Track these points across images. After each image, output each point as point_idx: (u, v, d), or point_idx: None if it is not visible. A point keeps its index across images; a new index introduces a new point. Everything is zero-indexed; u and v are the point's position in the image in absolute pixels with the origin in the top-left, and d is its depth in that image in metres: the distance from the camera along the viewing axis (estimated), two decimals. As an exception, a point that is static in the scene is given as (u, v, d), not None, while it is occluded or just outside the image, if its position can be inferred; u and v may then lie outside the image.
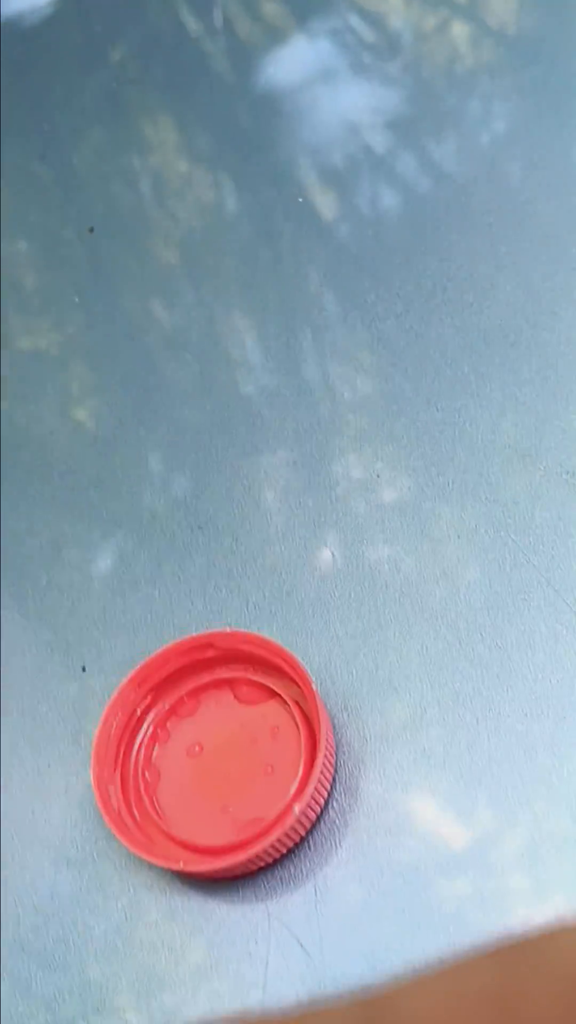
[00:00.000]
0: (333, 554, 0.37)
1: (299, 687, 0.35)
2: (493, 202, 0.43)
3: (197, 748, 0.35)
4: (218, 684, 0.36)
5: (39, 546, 0.41)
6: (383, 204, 0.44)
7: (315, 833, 0.33)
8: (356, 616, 0.36)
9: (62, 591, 0.40)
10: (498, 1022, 0.08)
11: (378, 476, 0.38)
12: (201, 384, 0.42)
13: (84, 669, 0.38)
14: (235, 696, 0.36)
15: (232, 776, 0.34)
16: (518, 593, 0.35)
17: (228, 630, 0.35)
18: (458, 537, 0.37)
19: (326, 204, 0.45)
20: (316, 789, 0.32)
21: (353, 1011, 0.08)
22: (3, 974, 0.33)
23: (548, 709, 0.33)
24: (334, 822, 0.33)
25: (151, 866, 0.34)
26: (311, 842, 0.33)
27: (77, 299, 0.46)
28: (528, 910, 0.31)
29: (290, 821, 0.31)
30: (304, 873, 0.32)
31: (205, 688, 0.36)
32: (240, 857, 0.31)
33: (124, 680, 0.35)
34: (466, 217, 0.43)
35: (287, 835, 0.32)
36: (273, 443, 0.40)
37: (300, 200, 0.45)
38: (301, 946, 0.31)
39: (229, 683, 0.36)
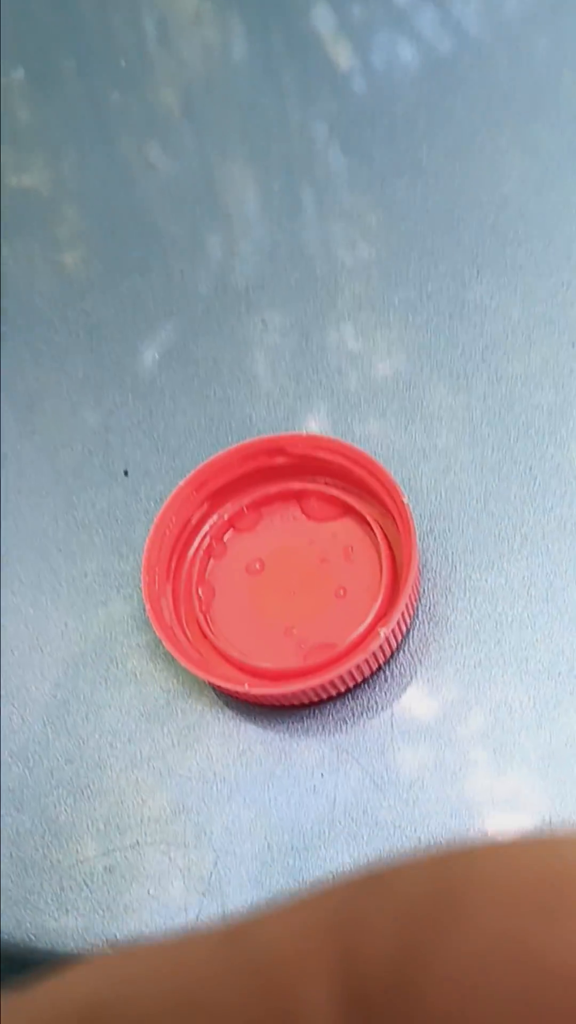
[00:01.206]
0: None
1: (381, 504, 0.30)
2: (515, 73, 0.37)
3: (257, 565, 0.31)
4: (285, 496, 0.32)
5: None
6: (400, 61, 0.38)
7: (393, 663, 0.29)
8: (446, 431, 0.32)
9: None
10: (337, 953, 0.08)
11: (374, 348, 0.33)
12: (194, 237, 0.36)
13: (126, 473, 0.33)
14: (303, 511, 0.32)
15: (297, 598, 0.30)
16: (511, 476, 0.31)
17: (304, 433, 0.31)
18: (452, 416, 0.32)
19: (340, 56, 0.39)
20: (402, 613, 0.28)
21: (213, 939, 0.09)
22: (39, 801, 0.29)
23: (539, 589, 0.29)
24: (415, 652, 0.29)
25: (202, 690, 0.30)
26: (388, 672, 0.29)
27: (71, 137, 0.39)
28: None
29: (374, 645, 0.28)
30: (379, 705, 0.29)
31: (270, 500, 0.32)
32: (314, 681, 0.27)
33: (182, 482, 0.31)
34: (485, 85, 0.37)
35: (367, 661, 0.28)
36: (266, 304, 0.35)
37: (310, 48, 0.39)
38: (373, 782, 0.28)
39: (298, 496, 0.32)
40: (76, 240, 0.38)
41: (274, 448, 0.31)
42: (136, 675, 0.30)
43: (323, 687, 0.28)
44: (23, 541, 0.33)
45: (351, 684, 0.29)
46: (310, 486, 0.31)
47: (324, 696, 0.29)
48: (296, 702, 0.29)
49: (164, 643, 0.28)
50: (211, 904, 0.27)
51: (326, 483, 0.31)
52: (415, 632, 0.29)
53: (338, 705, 0.29)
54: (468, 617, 0.29)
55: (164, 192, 0.38)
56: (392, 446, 0.32)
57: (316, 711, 0.29)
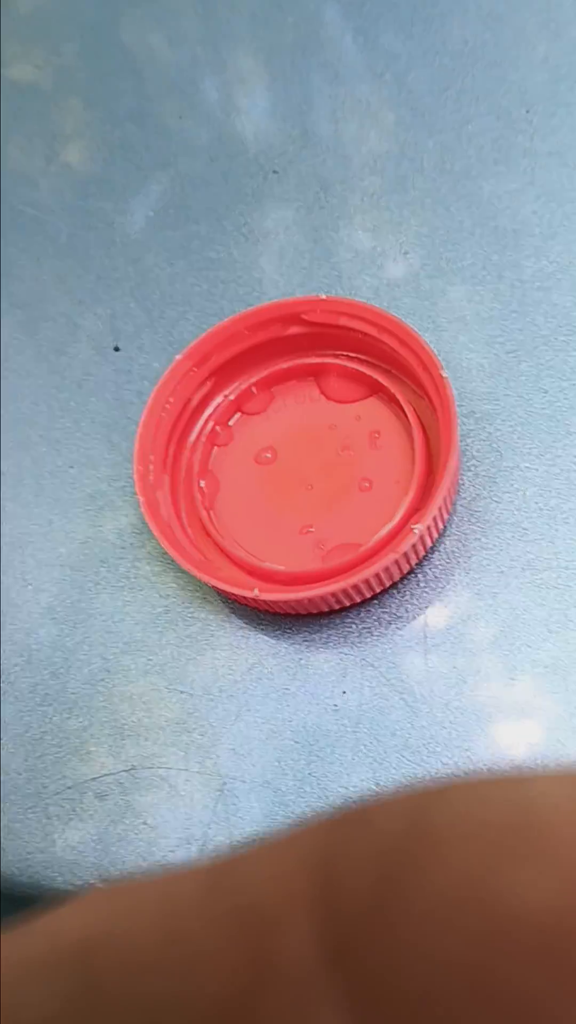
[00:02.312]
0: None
1: (415, 380, 0.26)
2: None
3: (268, 454, 0.27)
4: (300, 372, 0.27)
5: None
6: None
7: (427, 564, 0.25)
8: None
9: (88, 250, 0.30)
10: (316, 892, 0.08)
11: (386, 248, 0.28)
12: (201, 131, 0.31)
13: (117, 349, 0.29)
14: (321, 390, 0.27)
15: (315, 491, 0.26)
16: (569, 345, 0.26)
17: (323, 296, 0.26)
18: (465, 320, 0.27)
19: None
20: (440, 508, 0.24)
21: (199, 878, 0.09)
22: (20, 720, 0.26)
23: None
24: (452, 553, 0.25)
25: (207, 597, 0.26)
26: (421, 576, 0.25)
27: (73, 27, 0.33)
28: None
29: (407, 544, 0.23)
30: (411, 613, 0.25)
31: (282, 377, 0.27)
32: (335, 586, 0.23)
33: (179, 356, 0.26)
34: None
35: (397, 563, 0.24)
36: (276, 201, 0.29)
37: None
38: (404, 701, 0.24)
39: (315, 372, 0.27)
40: (59, 135, 0.32)
41: (288, 315, 0.26)
42: (130, 580, 0.26)
43: (345, 592, 0.24)
44: (1, 429, 0.29)
45: (378, 589, 0.25)
46: (330, 360, 0.27)
47: (346, 603, 0.25)
48: (314, 609, 0.25)
49: (161, 542, 0.24)
50: (217, 835, 0.24)
51: (349, 357, 0.27)
52: (452, 529, 0.25)
53: (362, 613, 0.25)
54: (516, 512, 0.25)
55: (168, 83, 0.32)
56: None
57: (337, 619, 0.25)
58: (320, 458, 0.26)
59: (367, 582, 0.24)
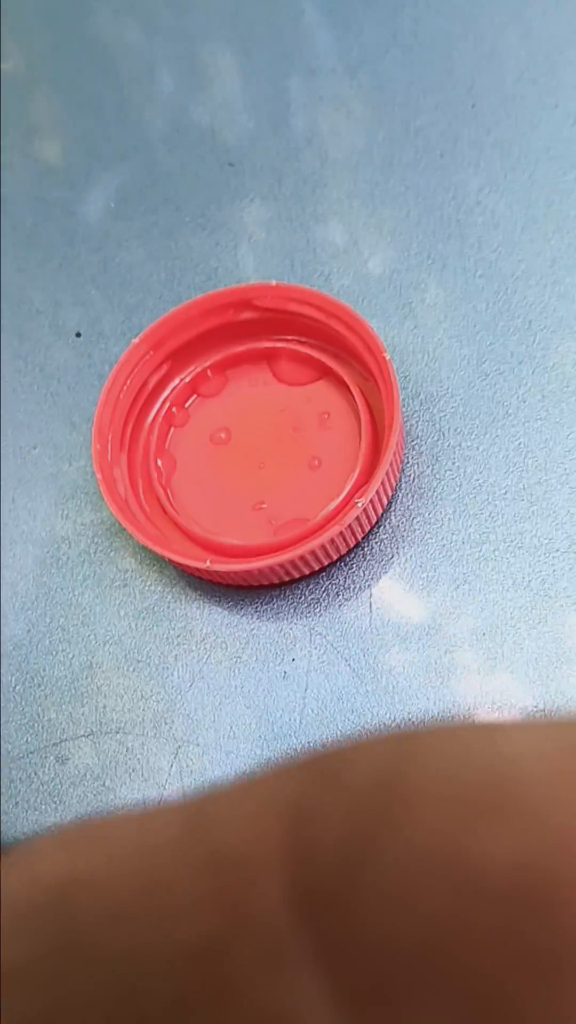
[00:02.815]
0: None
1: (362, 363, 0.27)
2: None
3: (223, 434, 0.28)
4: (253, 356, 0.28)
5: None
6: None
7: (373, 539, 0.26)
8: (434, 283, 0.28)
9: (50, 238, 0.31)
10: (288, 845, 0.08)
11: (363, 244, 0.29)
12: (177, 124, 0.32)
13: (79, 335, 0.30)
14: (274, 373, 0.28)
15: (268, 469, 0.27)
16: (508, 331, 0.27)
17: (273, 283, 0.27)
18: (411, 306, 0.28)
19: None
20: (383, 484, 0.25)
21: (175, 817, 0.09)
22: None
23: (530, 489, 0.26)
24: (396, 527, 0.26)
25: (163, 570, 0.27)
26: (367, 550, 0.26)
27: (44, 18, 0.34)
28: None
29: (350, 517, 0.25)
30: (357, 585, 0.26)
31: (236, 360, 0.28)
32: (283, 557, 0.25)
33: (136, 340, 0.27)
34: None
35: (342, 535, 0.25)
36: (252, 197, 0.30)
37: None
38: (350, 667, 0.25)
39: (267, 356, 0.28)
40: (20, 125, 0.33)
41: (240, 301, 0.27)
42: (90, 554, 0.28)
43: (293, 564, 0.25)
44: (-34, 411, 0.30)
45: (325, 562, 0.26)
46: (281, 345, 0.28)
47: (295, 575, 0.26)
48: (265, 581, 0.26)
49: (117, 517, 0.25)
50: (172, 796, 0.25)
51: (300, 341, 0.28)
52: (397, 505, 0.27)
53: (311, 585, 0.26)
54: (457, 489, 0.26)
55: (143, 74, 0.33)
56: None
57: (287, 591, 0.26)
58: (272, 438, 0.28)
59: (314, 554, 0.25)
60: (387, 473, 0.25)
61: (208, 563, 0.25)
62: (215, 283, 0.30)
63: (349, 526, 0.25)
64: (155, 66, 0.33)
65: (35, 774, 0.26)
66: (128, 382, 0.27)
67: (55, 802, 0.25)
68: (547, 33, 0.31)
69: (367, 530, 0.26)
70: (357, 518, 0.25)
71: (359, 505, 0.25)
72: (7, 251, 0.31)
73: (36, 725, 0.26)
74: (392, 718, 0.25)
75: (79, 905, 0.08)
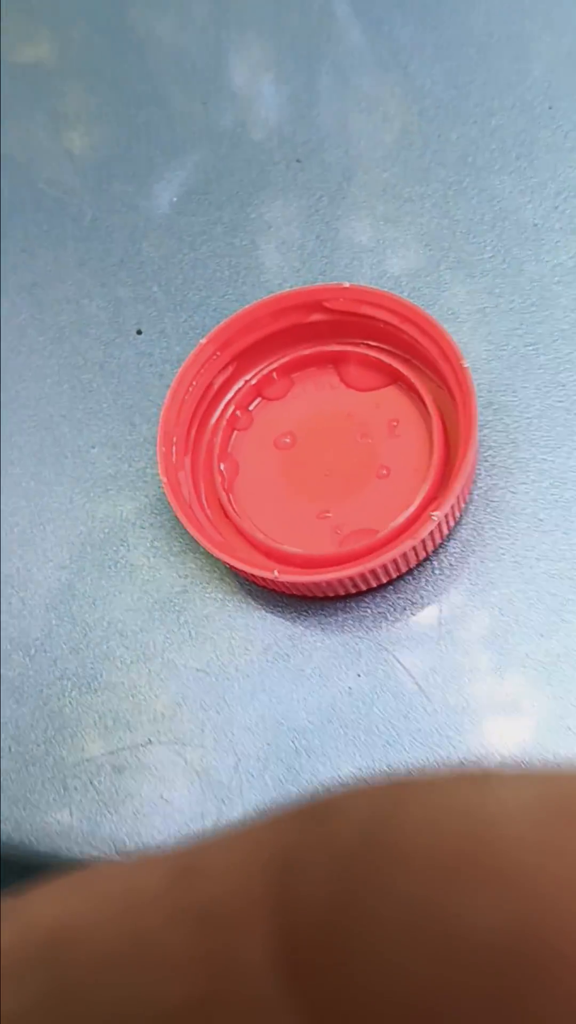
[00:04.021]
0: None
1: (435, 370, 0.26)
2: None
3: (287, 439, 0.27)
4: (320, 360, 0.28)
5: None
6: None
7: (442, 553, 0.26)
8: (509, 289, 0.27)
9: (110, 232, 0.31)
10: (274, 900, 0.08)
11: (389, 242, 0.29)
12: (206, 119, 0.31)
13: (140, 332, 0.29)
14: (341, 378, 0.28)
15: (333, 477, 0.27)
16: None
17: (346, 285, 0.26)
18: (485, 313, 0.27)
19: None
20: (458, 497, 0.24)
21: (162, 868, 0.09)
22: (40, 693, 0.26)
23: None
24: (467, 542, 0.26)
25: (224, 577, 0.26)
26: (437, 564, 0.26)
27: (78, 9, 0.33)
28: None
29: (425, 531, 0.24)
30: (425, 599, 0.25)
31: (303, 363, 0.28)
32: (353, 569, 0.24)
33: (203, 340, 0.26)
34: None
35: (415, 549, 0.24)
36: (279, 193, 0.30)
37: None
38: (417, 685, 0.25)
39: (335, 360, 0.27)
40: (81, 116, 0.33)
41: (310, 302, 0.27)
42: (149, 559, 0.27)
43: (363, 576, 0.24)
44: (23, 408, 0.29)
45: (394, 575, 0.25)
46: (350, 348, 0.27)
47: (363, 587, 0.25)
48: (331, 593, 0.25)
49: (182, 522, 0.25)
50: (231, 810, 0.24)
51: (370, 345, 0.27)
52: (468, 519, 0.26)
53: (378, 598, 0.26)
54: (532, 503, 0.26)
55: (173, 68, 0.32)
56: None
57: (352, 604, 0.26)
58: (338, 444, 0.27)
59: (384, 567, 0.24)
60: (463, 486, 0.24)
61: (275, 573, 0.24)
62: (279, 283, 0.29)
63: (422, 540, 0.24)
64: (206, 61, 0.32)
65: (91, 784, 0.25)
66: (194, 383, 0.26)
67: (110, 812, 0.25)
68: (570, 27, 0.30)
69: (438, 543, 0.25)
70: (432, 532, 0.24)
71: (434, 518, 0.24)
72: (68, 245, 0.31)
73: (92, 732, 0.25)
74: (460, 739, 0.24)
75: (66, 956, 0.09)
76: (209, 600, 0.26)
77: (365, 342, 0.27)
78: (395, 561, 0.24)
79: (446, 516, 0.24)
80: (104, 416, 0.29)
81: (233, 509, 0.26)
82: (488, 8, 0.31)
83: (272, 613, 0.26)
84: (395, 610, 0.25)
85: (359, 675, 0.25)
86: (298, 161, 0.30)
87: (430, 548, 0.25)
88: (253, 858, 0.08)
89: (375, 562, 0.24)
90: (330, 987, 0.08)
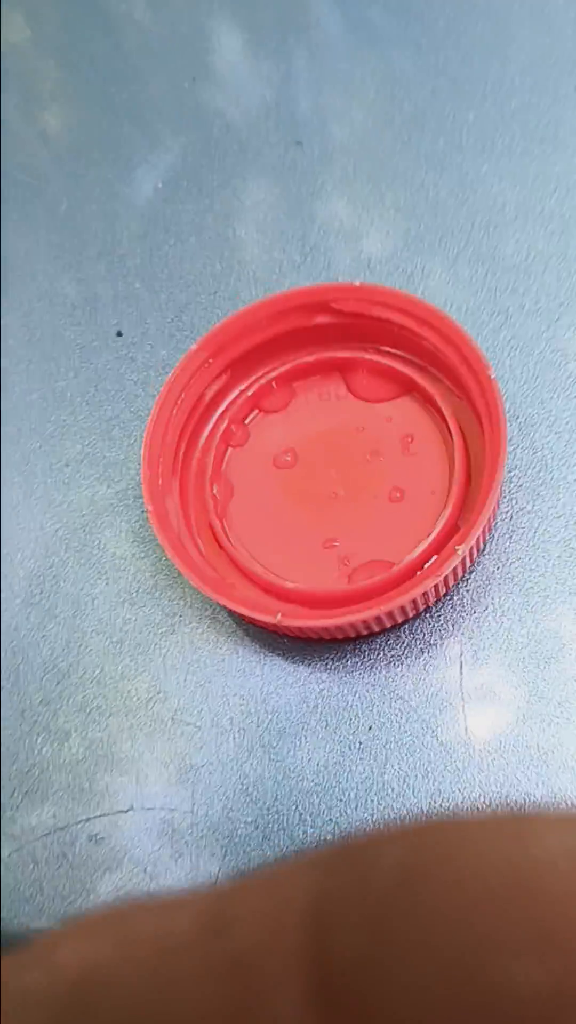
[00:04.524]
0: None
1: (455, 379, 0.23)
2: None
3: (288, 457, 0.24)
4: (326, 367, 0.24)
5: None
6: None
7: (463, 587, 0.23)
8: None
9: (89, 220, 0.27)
10: (309, 950, 0.08)
11: (365, 225, 0.26)
12: (180, 101, 0.28)
13: (120, 334, 0.26)
14: (349, 388, 0.24)
15: (341, 500, 0.23)
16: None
17: (358, 283, 0.23)
18: (508, 314, 0.25)
19: None
20: (485, 526, 0.21)
21: (195, 911, 0.09)
22: (12, 760, 0.23)
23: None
24: (492, 573, 0.23)
25: (216, 615, 0.23)
26: (456, 599, 0.23)
27: None
28: None
29: (449, 567, 0.21)
30: (445, 641, 0.22)
31: (306, 371, 0.24)
32: (366, 613, 0.21)
33: (194, 345, 0.23)
34: None
35: (436, 587, 0.21)
36: (254, 175, 0.26)
37: None
38: (436, 737, 0.22)
39: (342, 367, 0.24)
40: (56, 96, 0.29)
41: (315, 303, 0.23)
42: (132, 594, 0.24)
43: (377, 619, 0.21)
44: (-12, 419, 0.26)
45: (411, 614, 0.22)
46: (360, 355, 0.24)
47: (376, 629, 0.22)
48: (339, 635, 0.22)
49: (172, 560, 0.21)
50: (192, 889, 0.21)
51: (381, 351, 0.24)
52: (492, 547, 0.23)
53: (391, 639, 0.23)
54: (563, 529, 0.23)
55: (149, 52, 0.29)
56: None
57: (363, 645, 0.23)
58: (346, 463, 0.24)
59: (402, 608, 0.21)
60: (490, 514, 0.21)
61: (279, 617, 0.21)
62: (278, 280, 0.26)
63: (444, 576, 0.21)
64: (203, 38, 0.29)
65: (64, 854, 0.22)
66: (183, 394, 0.23)
67: (87, 890, 0.22)
68: (561, 18, 0.27)
69: (459, 577, 0.22)
70: (453, 568, 0.21)
71: (459, 552, 0.21)
72: (41, 236, 0.27)
73: (64, 796, 0.22)
74: (486, 800, 0.21)
75: (97, 1002, 0.08)
76: (200, 642, 0.23)
77: (377, 347, 0.24)
78: (414, 601, 0.21)
79: (470, 549, 0.21)
80: (80, 430, 0.25)
81: (227, 538, 0.23)
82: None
83: (272, 656, 0.23)
84: (411, 653, 0.22)
85: (371, 728, 0.22)
86: (298, 143, 0.27)
87: (451, 582, 0.22)
88: (286, 905, 0.08)
89: (391, 604, 0.21)
90: None
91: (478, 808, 0.21)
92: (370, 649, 0.23)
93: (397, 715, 0.22)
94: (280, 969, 0.08)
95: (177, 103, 0.28)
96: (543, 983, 0.07)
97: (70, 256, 0.27)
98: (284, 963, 0.08)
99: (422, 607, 0.22)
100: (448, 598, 0.23)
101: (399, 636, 0.23)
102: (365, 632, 0.22)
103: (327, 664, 0.23)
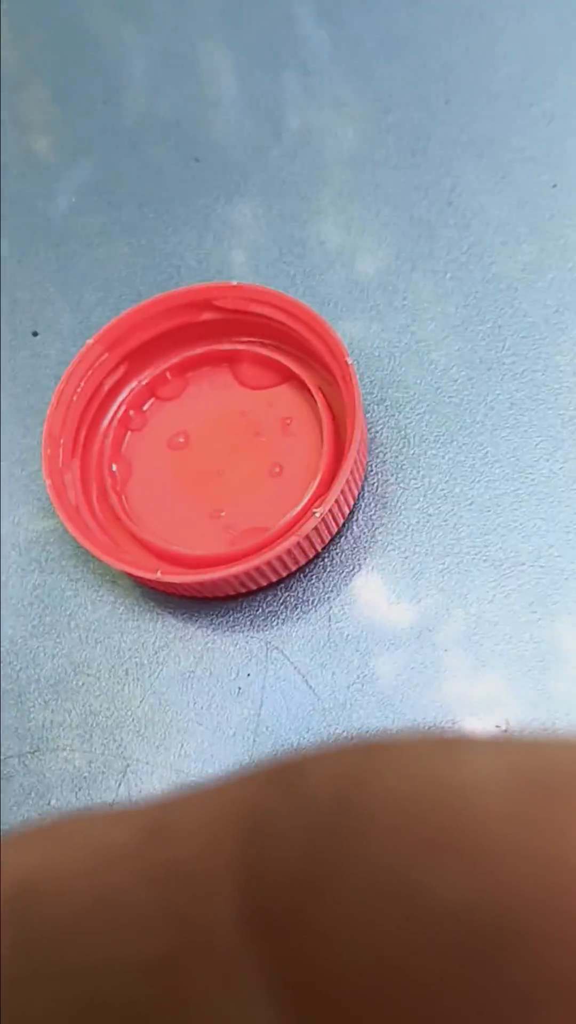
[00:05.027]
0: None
1: (325, 367, 0.26)
2: None
3: (182, 439, 0.27)
4: (214, 359, 0.27)
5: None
6: None
7: (332, 550, 0.25)
8: (402, 285, 0.27)
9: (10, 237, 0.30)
10: (244, 863, 0.08)
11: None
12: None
13: (36, 334, 0.29)
14: (235, 377, 0.27)
15: (227, 476, 0.26)
16: (477, 336, 0.26)
17: (235, 283, 0.26)
18: (378, 308, 0.27)
19: None
20: (343, 492, 0.24)
21: (134, 823, 0.09)
22: None
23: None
24: (359, 538, 0.25)
25: (116, 580, 0.26)
26: (327, 561, 0.25)
27: (38, 12, 0.33)
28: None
29: (307, 527, 0.24)
30: (316, 597, 0.25)
31: (197, 363, 0.27)
32: (237, 569, 0.24)
33: (90, 340, 0.26)
34: None
35: (300, 546, 0.24)
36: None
37: None
38: (307, 683, 0.24)
39: (229, 358, 0.27)
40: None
41: (200, 301, 0.26)
42: (40, 563, 0.26)
43: (248, 575, 0.24)
44: None
45: (283, 573, 0.25)
46: (243, 347, 0.27)
47: (252, 586, 0.25)
48: (220, 593, 0.25)
49: (66, 525, 0.24)
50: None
51: (262, 344, 0.27)
52: (359, 515, 0.26)
53: (269, 597, 0.25)
54: (421, 498, 0.25)
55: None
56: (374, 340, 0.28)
57: (244, 604, 0.25)
58: (232, 443, 0.27)
59: (270, 565, 0.24)
60: (348, 482, 0.24)
61: (159, 574, 0.24)
62: (176, 283, 0.29)
63: (308, 537, 0.24)
64: (143, 60, 0.32)
65: (-23, 792, 0.25)
66: (82, 384, 0.26)
67: (-2, 821, 0.24)
68: (536, 33, 0.30)
69: (327, 540, 0.25)
70: (316, 528, 0.24)
71: (316, 515, 0.24)
72: (-36, 247, 0.30)
73: (-20, 740, 0.25)
74: (348, 737, 0.24)
75: (36, 910, 0.08)
76: (101, 603, 0.26)
77: (258, 340, 0.27)
78: (280, 559, 0.24)
79: (331, 513, 0.24)
80: (-2, 419, 0.28)
81: (124, 511, 0.26)
82: (410, 12, 0.31)
83: (164, 615, 0.26)
84: (286, 609, 0.25)
85: (249, 674, 0.25)
86: (196, 160, 0.30)
87: (319, 545, 0.25)
88: (224, 818, 0.08)
89: (258, 560, 0.23)
90: (294, 947, 0.08)
91: (407, 729, 0.24)
92: (251, 606, 0.25)
93: (273, 664, 0.25)
94: (216, 877, 0.08)
95: (95, 119, 0.31)
96: (470, 893, 0.07)
97: (-8, 264, 0.30)
98: (219, 871, 0.08)
99: (292, 566, 0.25)
100: (320, 559, 0.25)
101: (276, 594, 0.25)
102: (243, 589, 0.25)
103: (212, 620, 0.25)
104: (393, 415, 0.26)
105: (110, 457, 0.26)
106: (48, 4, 0.33)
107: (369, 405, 0.26)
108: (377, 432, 0.26)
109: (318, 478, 0.25)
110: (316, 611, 0.25)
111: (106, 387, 0.27)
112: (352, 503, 0.25)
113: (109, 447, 0.26)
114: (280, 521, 0.24)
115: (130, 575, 0.25)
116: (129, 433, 0.27)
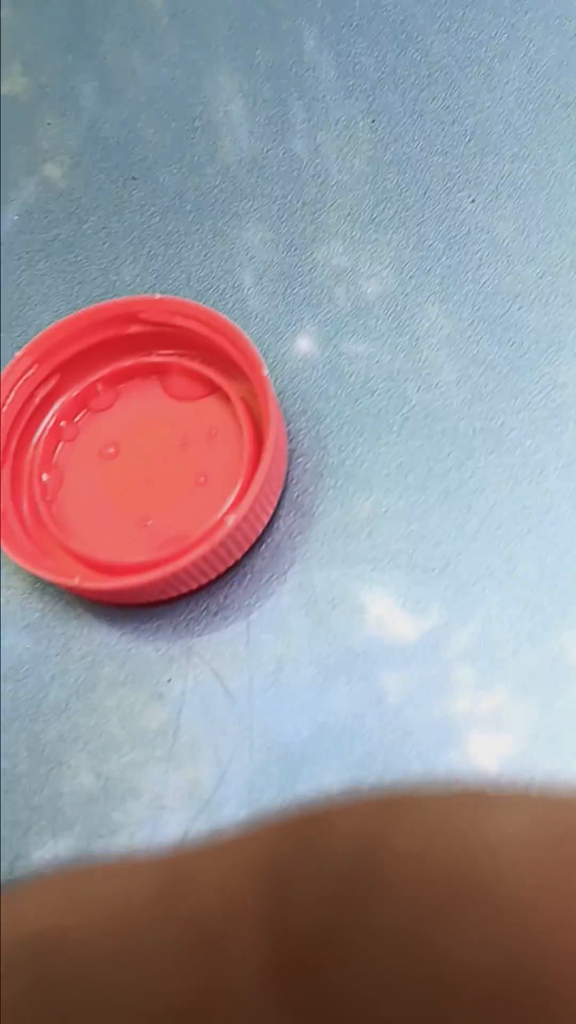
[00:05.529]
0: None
1: (246, 379, 0.27)
2: None
3: (111, 450, 0.28)
4: (143, 371, 0.28)
5: None
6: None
7: (253, 558, 0.26)
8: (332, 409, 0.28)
9: (-48, 251, 0.31)
10: (268, 911, 0.08)
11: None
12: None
13: (-25, 348, 0.30)
14: (164, 388, 0.28)
15: (154, 485, 0.27)
16: (396, 347, 0.27)
17: (158, 296, 0.27)
18: (303, 321, 0.28)
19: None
20: (258, 501, 0.25)
21: (152, 874, 0.09)
22: None
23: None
24: (278, 546, 0.26)
25: (47, 588, 0.27)
26: (248, 568, 0.26)
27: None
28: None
29: (220, 535, 0.24)
30: (236, 605, 0.26)
31: (126, 375, 0.28)
32: (152, 575, 0.24)
33: (19, 352, 0.27)
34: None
35: (215, 552, 0.25)
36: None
37: None
38: (225, 690, 0.25)
39: (158, 371, 0.28)
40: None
41: (125, 314, 0.27)
42: (-27, 570, 0.27)
43: (167, 582, 0.25)
44: None
45: (202, 580, 0.25)
46: (172, 359, 0.28)
47: (173, 593, 0.26)
48: (142, 599, 0.26)
49: (-10, 533, 0.25)
50: (40, 819, 0.25)
51: (189, 356, 0.28)
52: (280, 524, 0.26)
53: (191, 604, 0.26)
54: (338, 507, 0.26)
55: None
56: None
57: (168, 610, 0.26)
58: (160, 454, 0.27)
59: (187, 571, 0.25)
60: (264, 491, 0.25)
61: (77, 580, 0.24)
62: (112, 298, 0.29)
63: (225, 544, 0.25)
64: (64, 77, 0.33)
65: None
66: (12, 396, 0.27)
67: None
68: (549, 60, 0.30)
69: (246, 548, 0.26)
70: (234, 537, 0.25)
71: (229, 522, 0.24)
72: None
73: None
74: (262, 740, 0.24)
75: (53, 955, 0.08)
76: (30, 610, 0.27)
77: (186, 352, 0.28)
78: (196, 566, 0.25)
79: (248, 521, 0.25)
80: None
81: (52, 520, 0.27)
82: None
83: (91, 622, 0.26)
84: (207, 615, 0.26)
85: (169, 680, 0.25)
86: (133, 178, 0.31)
87: (237, 553, 0.26)
88: (244, 868, 0.08)
89: (174, 567, 0.24)
90: (318, 1002, 0.08)
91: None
92: (174, 613, 0.26)
93: (193, 670, 0.25)
94: (237, 925, 0.08)
95: (44, 139, 0.32)
96: (495, 959, 0.07)
97: None
98: (241, 920, 0.08)
99: (212, 574, 0.25)
100: (240, 567, 0.26)
101: (199, 601, 0.26)
102: (163, 596, 0.26)
103: (137, 626, 0.26)
104: (315, 425, 0.27)
105: (40, 466, 0.27)
106: (61, 27, 0.34)
107: (292, 416, 0.27)
108: (299, 443, 0.27)
109: (237, 487, 0.26)
110: (236, 617, 0.26)
111: (37, 399, 0.28)
112: (271, 512, 0.26)
113: (39, 457, 0.27)
114: (199, 529, 0.25)
115: (50, 581, 0.25)
116: (61, 443, 0.28)
